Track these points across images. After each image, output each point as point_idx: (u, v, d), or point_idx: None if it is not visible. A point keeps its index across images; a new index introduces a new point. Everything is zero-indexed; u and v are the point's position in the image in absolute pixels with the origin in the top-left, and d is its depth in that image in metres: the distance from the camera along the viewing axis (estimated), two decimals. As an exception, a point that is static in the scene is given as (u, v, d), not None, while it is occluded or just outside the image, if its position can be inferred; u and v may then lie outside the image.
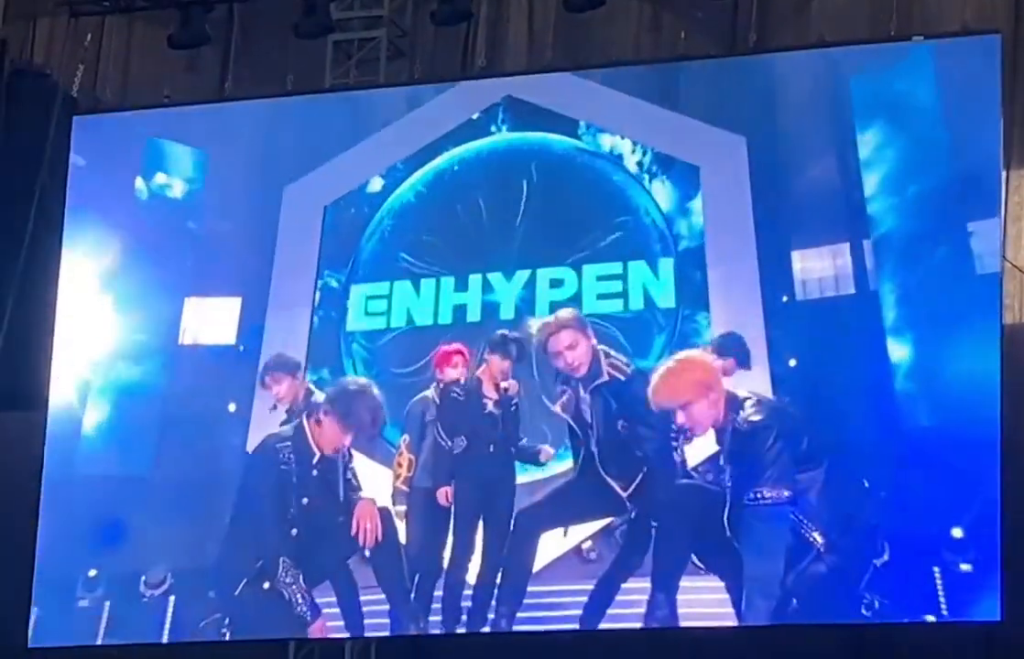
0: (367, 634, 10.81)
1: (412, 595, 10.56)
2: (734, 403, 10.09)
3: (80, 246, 11.62)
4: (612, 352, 10.45)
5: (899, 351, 10.20)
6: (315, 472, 10.66)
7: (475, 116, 11.37)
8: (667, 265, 10.81)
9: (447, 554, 10.56)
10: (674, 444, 10.19)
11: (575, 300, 10.82)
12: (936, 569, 9.81)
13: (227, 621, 10.80)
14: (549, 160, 11.20)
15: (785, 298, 10.48)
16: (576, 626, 10.23)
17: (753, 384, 10.25)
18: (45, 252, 11.37)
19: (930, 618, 9.69)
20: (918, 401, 10.12)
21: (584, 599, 10.28)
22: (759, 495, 9.99)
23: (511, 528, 10.44)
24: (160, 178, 11.65)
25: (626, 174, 11.07)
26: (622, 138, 11.09)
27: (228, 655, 10.68)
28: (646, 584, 10.19)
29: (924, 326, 10.20)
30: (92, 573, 11.10)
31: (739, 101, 10.95)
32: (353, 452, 10.80)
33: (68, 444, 11.41)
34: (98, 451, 11.43)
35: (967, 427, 9.92)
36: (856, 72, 10.63)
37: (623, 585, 10.24)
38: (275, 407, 10.96)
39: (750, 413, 10.07)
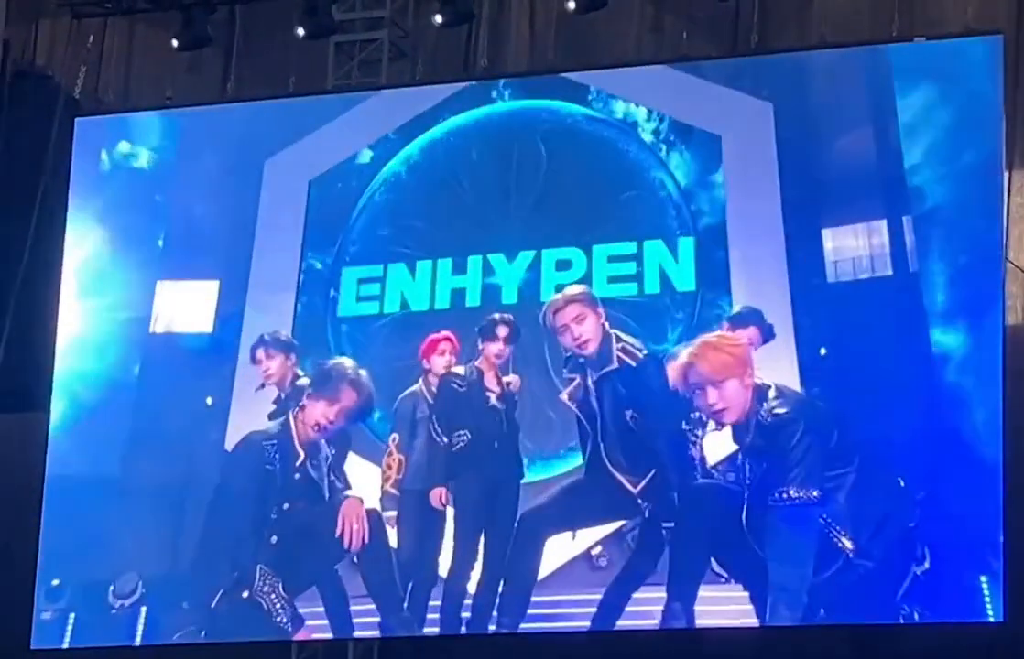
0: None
1: (405, 604, 10.26)
2: (758, 393, 9.81)
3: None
4: (624, 336, 10.13)
5: (945, 339, 9.86)
6: (297, 476, 10.44)
7: (475, 82, 11.26)
8: (687, 245, 10.47)
9: (444, 560, 10.24)
10: (692, 438, 9.93)
11: (584, 283, 10.47)
12: (984, 578, 9.47)
13: (202, 633, 10.51)
14: (555, 129, 10.85)
15: (815, 280, 10.14)
16: (587, 624, 9.98)
17: (779, 374, 9.91)
18: (47, 253, 11.38)
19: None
20: (965, 393, 9.75)
21: (592, 609, 9.99)
22: (784, 495, 9.65)
23: (514, 532, 10.13)
24: (123, 146, 11.42)
25: (640, 144, 10.73)
26: (636, 105, 10.75)
27: (229, 656, 10.48)
28: (661, 593, 9.89)
29: (972, 312, 9.85)
30: (55, 582, 10.80)
31: (765, 64, 10.76)
32: (339, 449, 10.52)
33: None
34: (62, 450, 11.11)
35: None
36: (896, 29, 10.57)
37: (634, 594, 9.96)
38: (262, 386, 10.67)
39: (775, 405, 9.76)
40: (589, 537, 10.10)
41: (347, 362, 10.58)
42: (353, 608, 10.33)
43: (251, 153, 11.28)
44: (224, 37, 12.12)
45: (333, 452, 10.48)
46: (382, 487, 10.40)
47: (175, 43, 11.75)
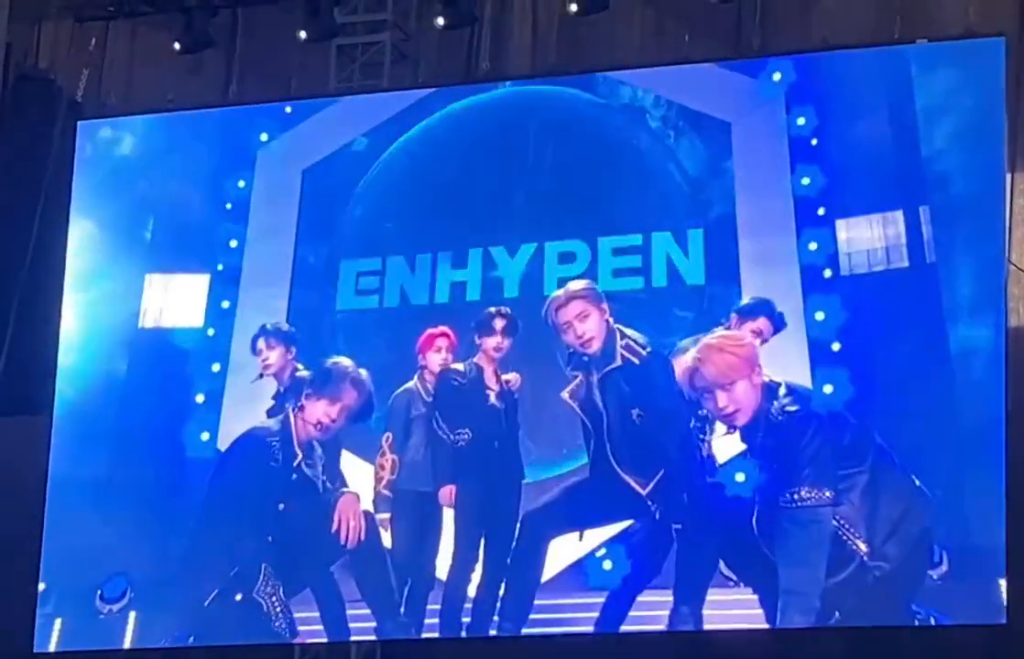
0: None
1: (402, 608, 10.15)
2: (768, 391, 9.71)
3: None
4: (628, 332, 10.04)
5: (963, 333, 9.76)
6: (295, 476, 10.39)
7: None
8: (696, 236, 10.37)
9: (441, 561, 10.14)
10: (700, 437, 9.82)
11: (588, 276, 10.36)
12: (1002, 581, 9.32)
13: (191, 639, 10.42)
14: (558, 116, 10.78)
15: (828, 273, 10.02)
16: (591, 628, 9.90)
17: (790, 370, 9.80)
18: (50, 257, 11.39)
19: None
20: (983, 389, 9.62)
21: (596, 614, 9.90)
22: (796, 496, 9.57)
23: (517, 533, 10.03)
24: (105, 132, 11.43)
25: (648, 132, 10.65)
26: (643, 91, 10.68)
27: (231, 657, 10.42)
28: (667, 596, 9.80)
29: (992, 306, 9.75)
30: (41, 587, 10.70)
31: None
32: (331, 450, 10.42)
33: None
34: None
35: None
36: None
37: (639, 597, 9.86)
38: (260, 376, 10.61)
39: (785, 404, 9.69)
40: (594, 538, 9.99)
41: (347, 362, 10.51)
42: (349, 612, 10.24)
43: (243, 143, 11.23)
44: (226, 40, 12.20)
45: (326, 454, 10.42)
46: (375, 488, 10.30)
47: (177, 46, 11.91)
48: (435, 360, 10.35)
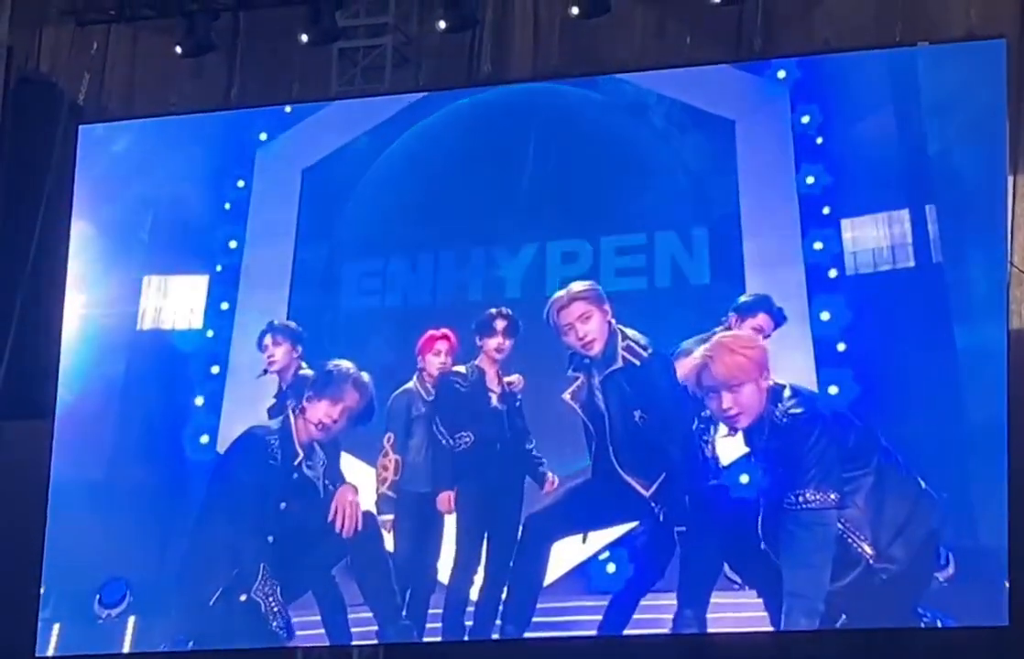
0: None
1: (404, 611, 10.13)
2: (773, 393, 9.66)
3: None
4: (629, 333, 10.01)
5: (971, 333, 9.72)
6: (295, 476, 10.39)
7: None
8: (700, 236, 10.34)
9: (444, 565, 10.14)
10: (704, 438, 9.81)
11: (591, 276, 10.32)
12: (1007, 585, 9.30)
13: (190, 644, 10.41)
14: (560, 113, 10.76)
15: (833, 272, 9.98)
16: (594, 631, 9.88)
17: (795, 371, 9.77)
18: (51, 261, 11.41)
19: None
20: (989, 388, 9.58)
21: (599, 617, 9.88)
22: (801, 498, 9.54)
23: (519, 536, 10.01)
24: (105, 134, 11.48)
25: (651, 130, 10.63)
26: (646, 88, 10.66)
27: None
28: (670, 599, 9.78)
29: (1001, 305, 9.71)
30: (40, 591, 10.69)
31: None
32: (331, 452, 10.40)
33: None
34: (45, 453, 11.04)
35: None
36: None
37: (642, 600, 9.84)
38: (265, 372, 10.61)
39: (790, 406, 9.63)
40: (597, 541, 9.98)
41: (348, 364, 10.48)
42: (351, 616, 10.22)
43: (242, 143, 11.24)
44: (227, 43, 12.13)
45: (327, 456, 10.41)
46: (378, 489, 10.27)
47: (178, 50, 11.82)
48: (434, 362, 10.34)
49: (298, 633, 10.23)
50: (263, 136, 11.16)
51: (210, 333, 10.89)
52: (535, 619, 9.94)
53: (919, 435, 9.63)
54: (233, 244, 10.98)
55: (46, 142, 11.70)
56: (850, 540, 9.47)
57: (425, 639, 10.07)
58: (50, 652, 10.56)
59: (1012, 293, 9.99)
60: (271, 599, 10.26)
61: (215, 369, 10.78)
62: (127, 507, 10.73)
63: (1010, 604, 9.27)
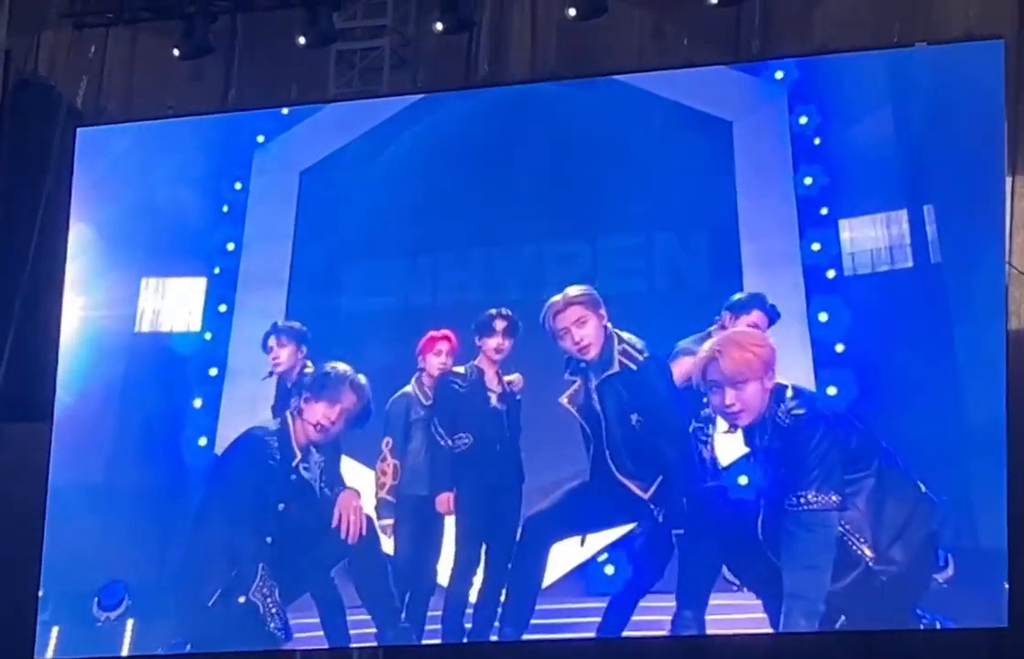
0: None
1: (403, 614, 10.12)
2: (775, 394, 9.65)
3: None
4: (625, 336, 10.00)
5: (970, 334, 9.70)
6: (293, 477, 10.37)
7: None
8: (698, 237, 10.34)
9: (443, 568, 10.12)
10: (702, 439, 9.81)
11: (590, 277, 10.29)
12: (1006, 587, 9.29)
13: (188, 647, 10.41)
14: (558, 115, 10.74)
15: (831, 273, 9.97)
16: (592, 633, 9.88)
17: (793, 372, 9.74)
18: (50, 263, 11.42)
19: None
20: (988, 390, 9.56)
21: (598, 619, 9.87)
22: (802, 500, 9.52)
23: (518, 538, 10.00)
24: (104, 136, 11.50)
25: (648, 131, 10.58)
26: (644, 90, 10.61)
27: None
28: (669, 601, 9.77)
29: (1000, 306, 9.70)
30: (39, 594, 10.68)
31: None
32: (330, 456, 10.39)
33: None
34: (44, 456, 11.04)
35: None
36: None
37: (641, 602, 9.83)
38: (270, 374, 10.60)
39: (792, 407, 9.62)
40: (595, 543, 9.96)
41: (345, 367, 10.46)
42: (350, 618, 10.20)
43: (239, 145, 11.23)
44: (226, 46, 12.16)
45: (324, 458, 10.39)
46: (377, 494, 10.26)
47: (176, 52, 11.85)
48: (434, 363, 10.32)
49: (296, 635, 10.23)
50: (261, 138, 11.17)
51: (208, 335, 10.87)
52: (534, 621, 9.94)
53: (918, 436, 9.61)
54: (231, 246, 10.97)
55: (44, 145, 11.71)
56: (850, 542, 9.45)
57: (424, 641, 10.06)
58: (49, 654, 10.58)
59: (1011, 294, 9.98)
60: (269, 600, 10.24)
61: (213, 371, 10.77)
62: (125, 509, 10.74)
63: (1009, 606, 9.26)
